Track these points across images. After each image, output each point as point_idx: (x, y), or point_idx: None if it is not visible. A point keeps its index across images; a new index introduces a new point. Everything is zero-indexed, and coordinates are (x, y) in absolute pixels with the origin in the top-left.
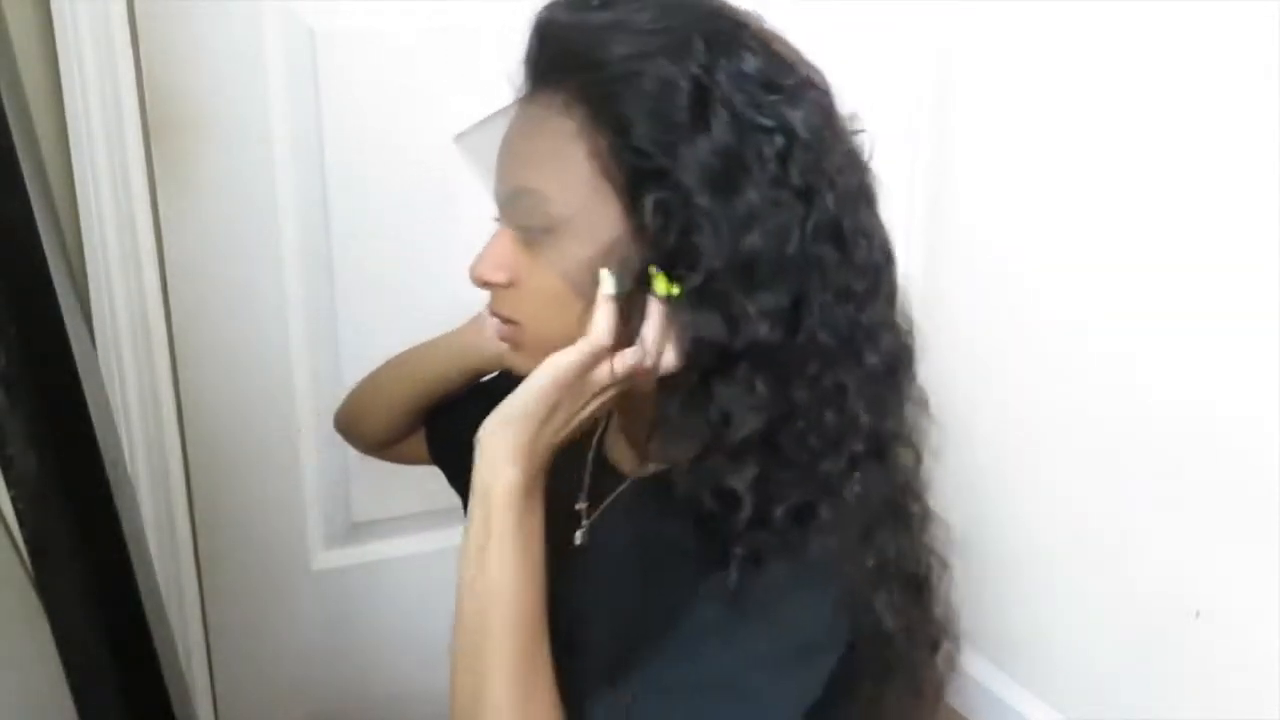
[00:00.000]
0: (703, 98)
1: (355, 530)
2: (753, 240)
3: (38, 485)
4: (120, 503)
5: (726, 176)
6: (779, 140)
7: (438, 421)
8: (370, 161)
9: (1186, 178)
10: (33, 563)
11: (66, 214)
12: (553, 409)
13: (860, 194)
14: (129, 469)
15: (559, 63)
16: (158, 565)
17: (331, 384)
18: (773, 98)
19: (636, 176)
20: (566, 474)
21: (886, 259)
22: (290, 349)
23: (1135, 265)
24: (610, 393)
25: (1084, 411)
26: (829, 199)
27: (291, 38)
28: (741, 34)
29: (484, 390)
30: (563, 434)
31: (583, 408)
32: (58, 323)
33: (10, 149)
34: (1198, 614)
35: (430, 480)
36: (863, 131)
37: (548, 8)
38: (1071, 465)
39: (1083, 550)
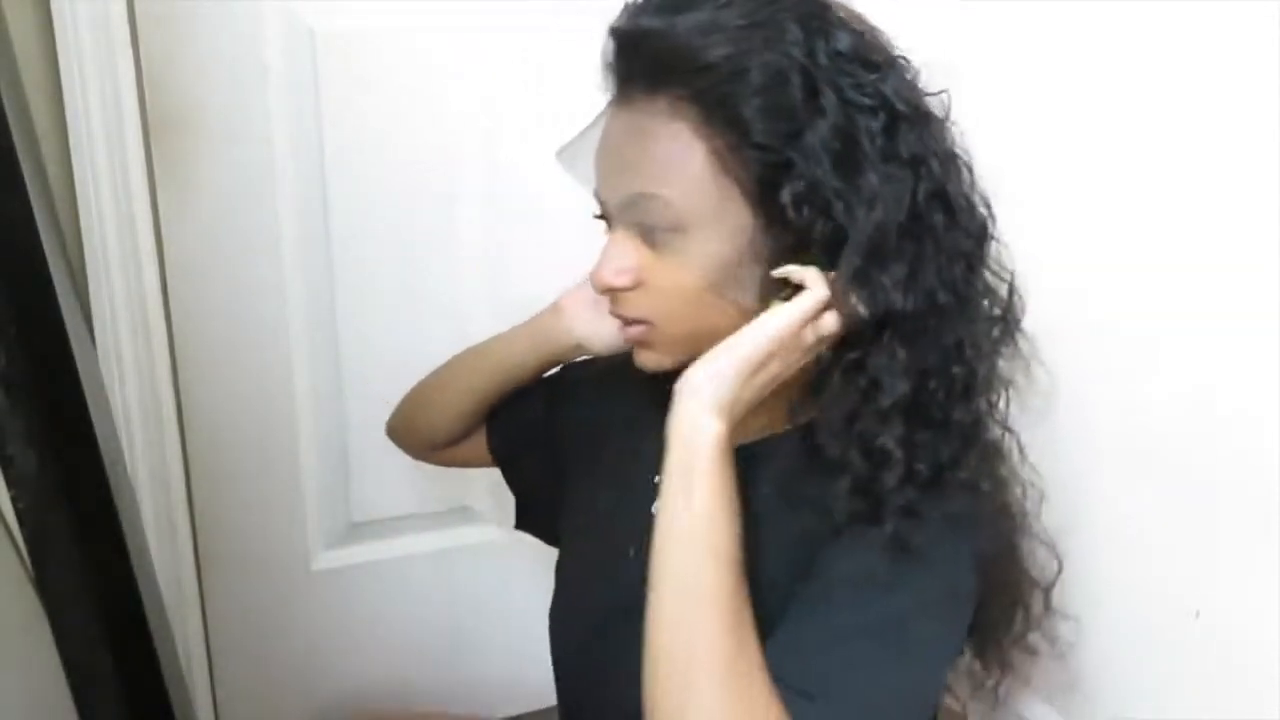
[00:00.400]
0: (811, 83)
1: (355, 530)
2: (878, 215)
3: (38, 485)
4: (120, 503)
5: (847, 157)
6: (884, 116)
7: (500, 416)
8: (370, 161)
9: (1192, 176)
10: (33, 563)
11: (66, 214)
12: (762, 365)
13: (956, 159)
14: (129, 469)
15: (656, 68)
16: (158, 565)
17: (332, 384)
18: (871, 75)
19: (763, 171)
20: (645, 445)
21: (987, 217)
22: (290, 349)
23: (1135, 264)
24: (807, 358)
25: (1081, 410)
26: (934, 166)
27: (291, 38)
28: (829, 14)
29: (547, 384)
30: (762, 393)
31: (786, 368)
32: (58, 323)
33: (10, 149)
34: (1198, 614)
35: (430, 480)
36: (944, 93)
37: (629, 14)
38: (1070, 465)
39: (1081, 550)
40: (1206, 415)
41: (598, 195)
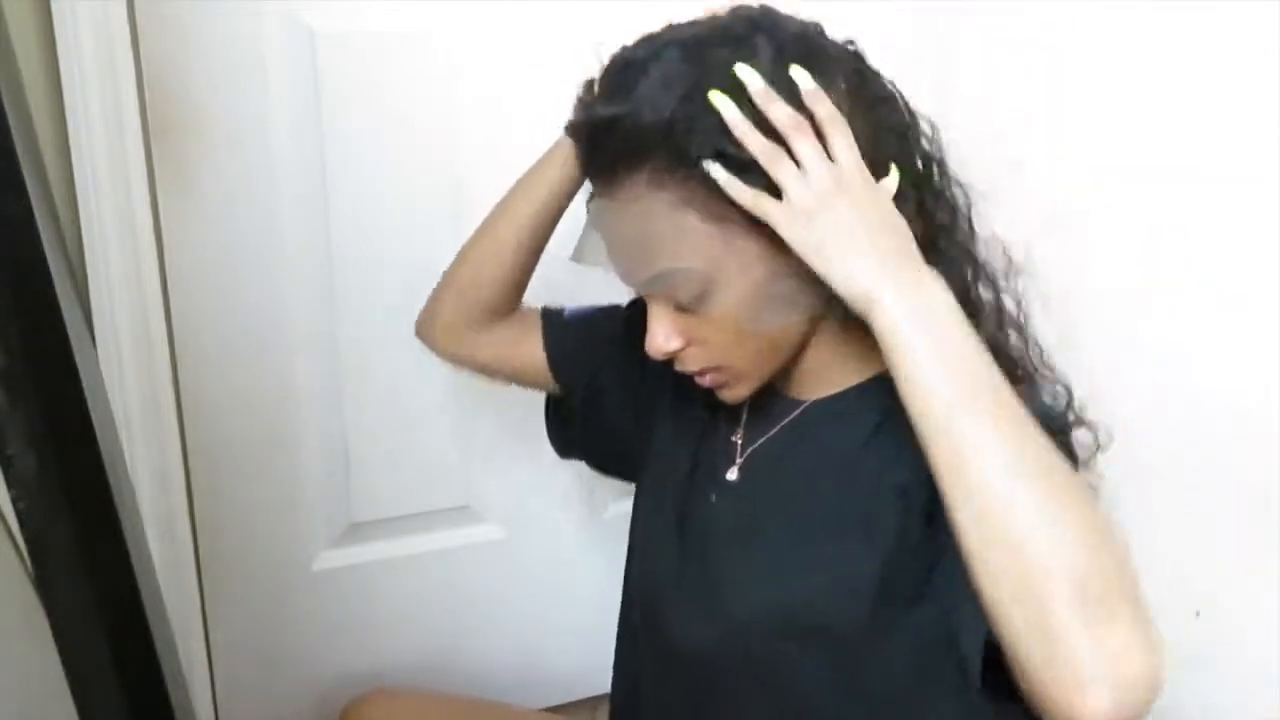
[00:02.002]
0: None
1: (355, 530)
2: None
3: (38, 485)
4: (120, 503)
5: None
6: (844, 79)
7: (565, 316)
8: (370, 162)
9: (1191, 173)
10: (33, 563)
11: (66, 214)
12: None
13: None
14: (129, 469)
15: (627, 149)
16: (158, 565)
17: (332, 384)
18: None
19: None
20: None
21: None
22: (291, 349)
23: (1135, 263)
24: None
25: (1082, 411)
26: (922, 143)
27: (291, 38)
28: (762, 23)
29: (630, 308)
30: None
31: None
32: (58, 323)
33: (10, 149)
34: (1198, 614)
35: (430, 480)
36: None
37: (583, 109)
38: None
39: None
40: (1207, 415)
41: (626, 281)
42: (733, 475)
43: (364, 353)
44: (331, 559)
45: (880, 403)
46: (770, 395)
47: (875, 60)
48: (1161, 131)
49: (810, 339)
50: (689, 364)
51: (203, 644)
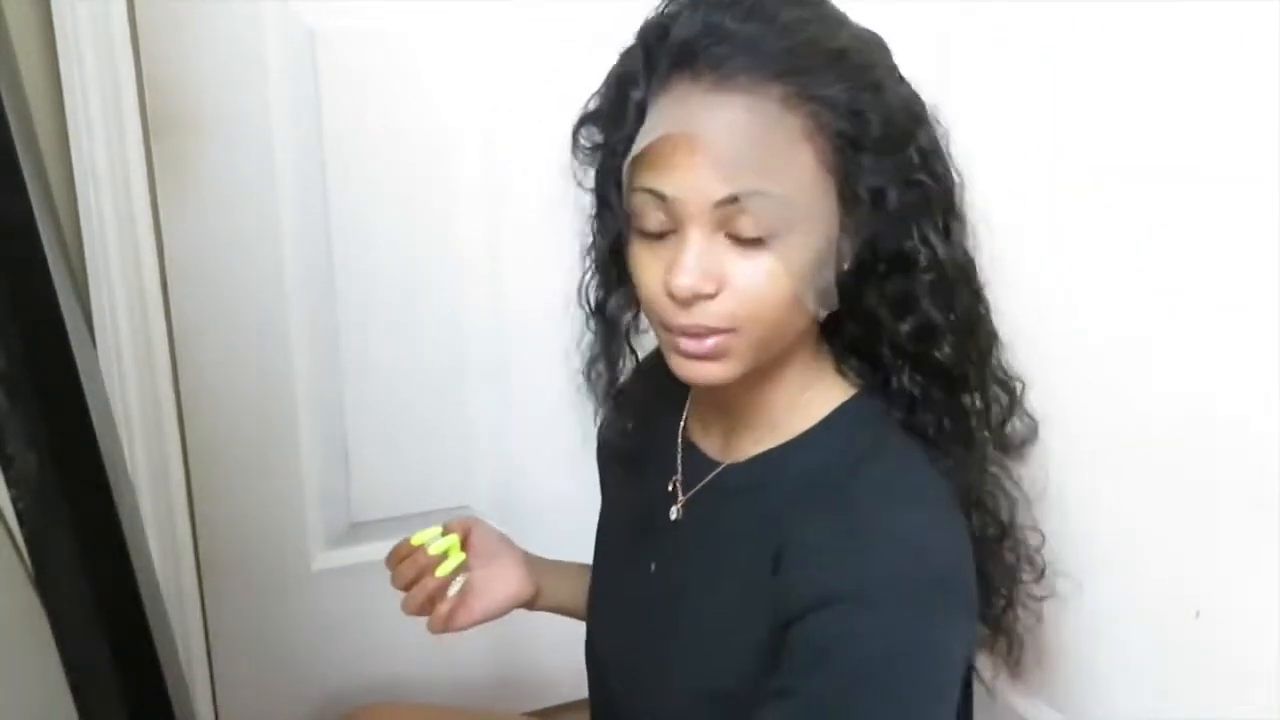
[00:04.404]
0: (908, 92)
1: (355, 530)
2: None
3: (38, 485)
4: (120, 503)
5: (918, 160)
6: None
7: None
8: (370, 162)
9: (1191, 173)
10: (33, 563)
11: (66, 214)
12: None
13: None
14: (129, 469)
15: (758, 66)
16: (158, 565)
17: (332, 384)
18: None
19: (861, 176)
20: (658, 451)
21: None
22: (290, 349)
23: (1135, 261)
24: None
25: (1082, 411)
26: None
27: (291, 38)
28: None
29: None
30: None
31: None
32: (58, 323)
33: (10, 149)
34: (1198, 614)
35: (430, 480)
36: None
37: (698, 18)
38: (1069, 465)
39: (1081, 549)
40: (1206, 415)
41: (667, 194)
42: (675, 516)
43: (364, 352)
44: (331, 559)
45: (797, 467)
46: (691, 451)
47: None
48: (1162, 131)
49: (770, 372)
50: (709, 317)
51: (203, 644)
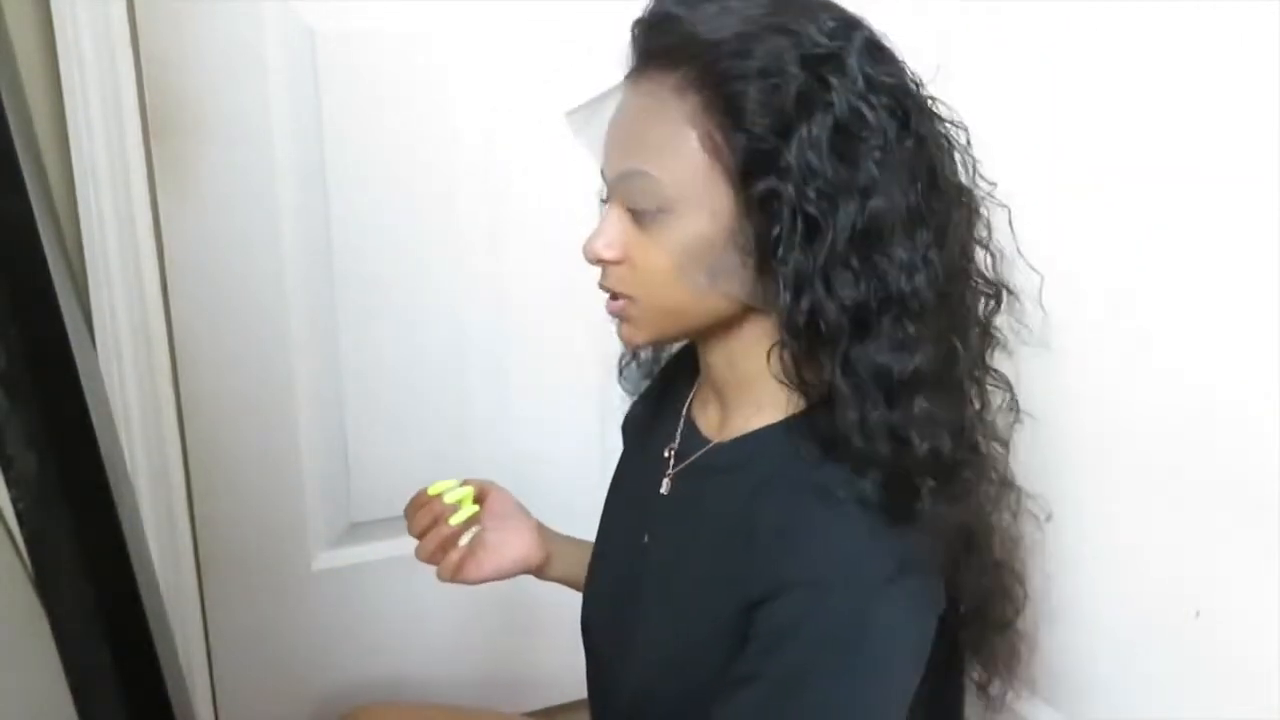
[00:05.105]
0: (817, 76)
1: (355, 530)
2: (876, 203)
3: (38, 485)
4: (120, 503)
5: (847, 151)
6: (894, 112)
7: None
8: (370, 162)
9: (1191, 173)
10: (33, 563)
11: (66, 214)
12: None
13: (952, 145)
14: (129, 469)
15: (671, 45)
16: (158, 565)
17: (332, 384)
18: (888, 79)
19: (749, 159)
20: (665, 423)
21: (977, 202)
22: (290, 349)
23: (1135, 261)
24: None
25: (1082, 410)
26: (933, 153)
27: (291, 38)
28: (858, 23)
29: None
30: None
31: None
32: (58, 323)
33: (10, 149)
34: (1198, 614)
35: (430, 480)
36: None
37: (658, 2)
38: (1071, 466)
39: (1081, 549)
40: (1206, 415)
41: (601, 168)
42: (665, 489)
43: (364, 352)
44: (331, 559)
45: (777, 451)
46: (690, 427)
47: None
48: (1162, 131)
49: (735, 351)
50: (612, 281)
51: (203, 644)
